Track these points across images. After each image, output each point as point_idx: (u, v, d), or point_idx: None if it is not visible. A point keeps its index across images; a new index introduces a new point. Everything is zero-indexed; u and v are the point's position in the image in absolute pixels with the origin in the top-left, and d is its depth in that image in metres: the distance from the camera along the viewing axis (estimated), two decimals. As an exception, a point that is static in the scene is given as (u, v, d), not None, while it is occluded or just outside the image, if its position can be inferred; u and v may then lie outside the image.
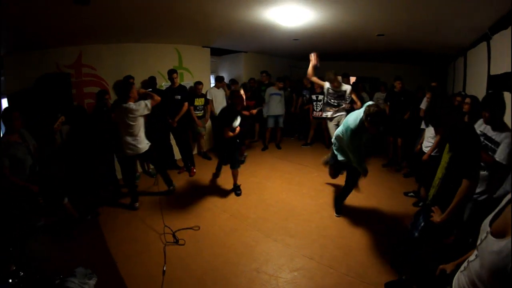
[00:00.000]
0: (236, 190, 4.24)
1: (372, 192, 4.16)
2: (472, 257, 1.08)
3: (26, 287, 2.19)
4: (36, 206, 2.90)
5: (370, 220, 3.44)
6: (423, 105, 4.52)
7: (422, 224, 2.11)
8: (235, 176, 4.21)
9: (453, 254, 1.47)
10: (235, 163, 4.08)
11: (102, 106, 4.01)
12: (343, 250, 2.91)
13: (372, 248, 2.91)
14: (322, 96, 5.25)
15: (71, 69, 4.16)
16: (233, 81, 6.72)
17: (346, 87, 4.76)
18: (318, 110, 6.00)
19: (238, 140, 4.02)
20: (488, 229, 1.00)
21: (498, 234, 0.94)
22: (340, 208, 3.60)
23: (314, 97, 6.03)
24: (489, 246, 0.95)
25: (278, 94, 6.13)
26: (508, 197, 1.03)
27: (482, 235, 1.04)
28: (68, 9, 2.66)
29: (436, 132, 3.31)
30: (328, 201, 3.93)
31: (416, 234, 2.16)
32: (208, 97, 5.61)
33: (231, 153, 4.05)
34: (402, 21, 3.43)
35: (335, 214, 3.59)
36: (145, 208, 3.82)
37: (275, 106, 6.15)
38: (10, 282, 2.10)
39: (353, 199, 3.68)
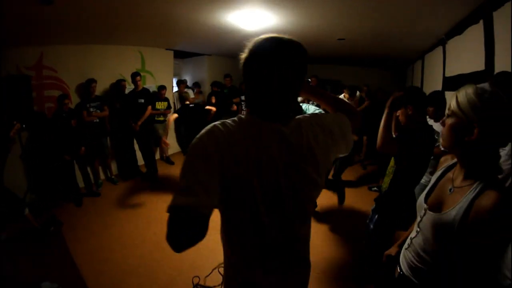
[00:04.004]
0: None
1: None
2: (413, 234, 1.16)
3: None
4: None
5: (333, 216, 3.51)
6: None
7: (376, 217, 2.20)
8: None
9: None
10: None
11: (61, 111, 3.85)
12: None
13: (337, 244, 2.96)
14: None
15: (32, 71, 3.96)
16: (196, 84, 6.64)
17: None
18: None
19: None
20: (425, 205, 1.09)
21: (435, 208, 1.04)
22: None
23: None
24: (429, 220, 1.04)
25: None
26: (437, 174, 1.14)
27: (420, 212, 1.12)
28: (29, 8, 2.57)
29: None
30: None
31: (372, 226, 2.23)
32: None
33: None
34: (362, 26, 3.55)
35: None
36: (109, 215, 3.73)
37: None
38: None
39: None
